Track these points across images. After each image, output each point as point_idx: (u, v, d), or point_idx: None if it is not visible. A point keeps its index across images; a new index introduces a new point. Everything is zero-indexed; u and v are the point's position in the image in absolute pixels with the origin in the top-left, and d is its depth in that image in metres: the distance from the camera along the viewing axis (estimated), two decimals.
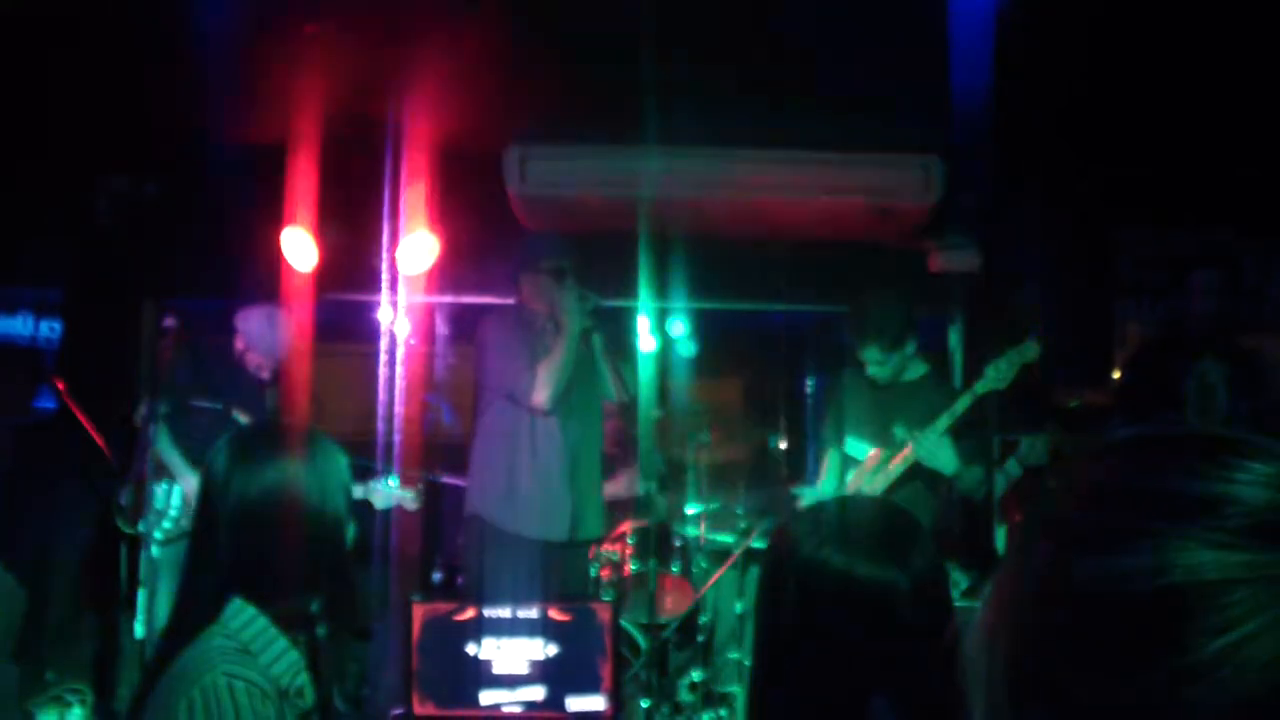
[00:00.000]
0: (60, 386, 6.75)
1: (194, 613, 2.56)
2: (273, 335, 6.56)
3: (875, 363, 5.88)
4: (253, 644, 2.52)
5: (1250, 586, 0.73)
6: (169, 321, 6.17)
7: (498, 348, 6.13)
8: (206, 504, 2.65)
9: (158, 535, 6.25)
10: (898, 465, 5.80)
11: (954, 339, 8.37)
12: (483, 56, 5.81)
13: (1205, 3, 5.03)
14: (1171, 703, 0.72)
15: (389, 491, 6.32)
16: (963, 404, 5.68)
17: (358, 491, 6.11)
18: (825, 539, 2.10)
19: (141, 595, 5.89)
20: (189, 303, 6.90)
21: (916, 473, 5.80)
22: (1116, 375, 8.02)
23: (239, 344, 6.61)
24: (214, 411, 6.55)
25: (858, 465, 5.99)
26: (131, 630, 6.26)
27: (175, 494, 6.43)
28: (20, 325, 9.48)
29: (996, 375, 5.69)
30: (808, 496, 6.13)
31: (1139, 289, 7.98)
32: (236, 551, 2.58)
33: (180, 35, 5.35)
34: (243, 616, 2.54)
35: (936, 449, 5.66)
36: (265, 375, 6.64)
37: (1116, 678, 0.74)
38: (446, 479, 7.50)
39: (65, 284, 8.06)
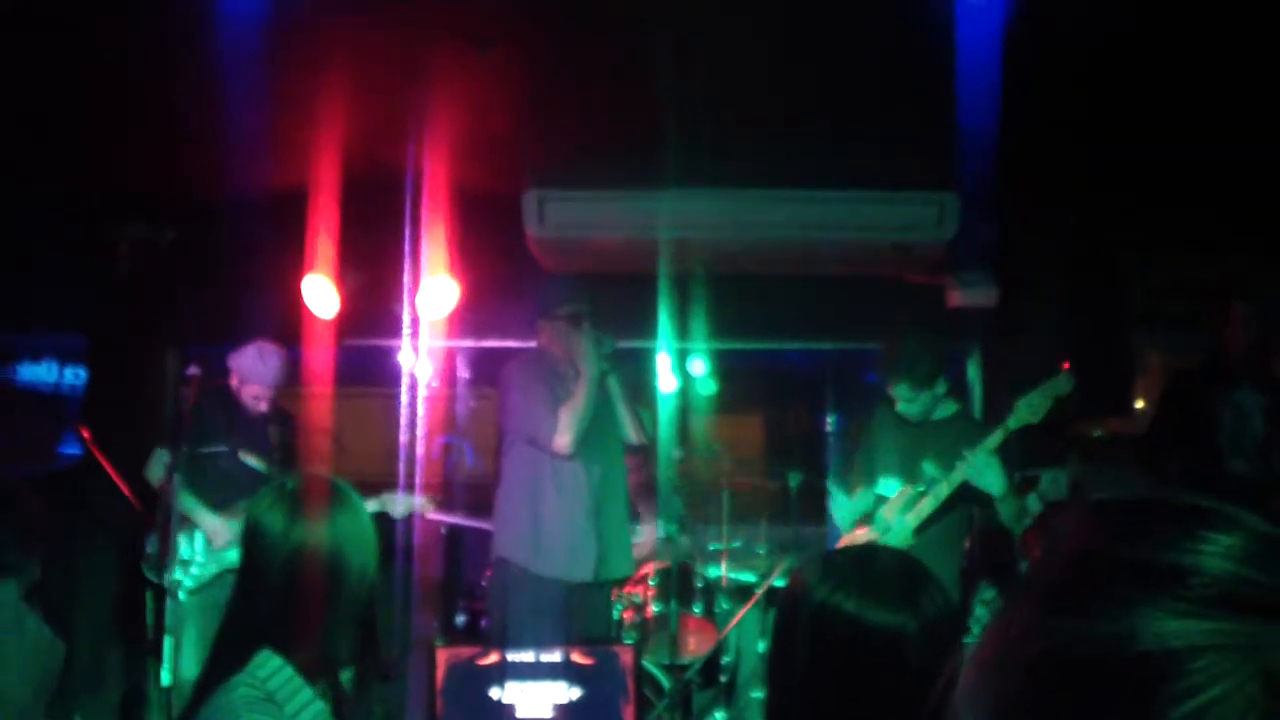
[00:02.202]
0: (85, 434, 6.81)
1: (226, 660, 2.63)
2: (264, 366, 6.63)
3: (905, 400, 5.89)
4: (278, 693, 2.57)
5: (1214, 653, 0.75)
6: (192, 369, 6.22)
7: (519, 393, 6.17)
8: (247, 556, 2.74)
9: (187, 583, 6.30)
10: (927, 503, 5.80)
11: (972, 373, 8.38)
12: (500, 101, 5.86)
13: (1217, 30, 5.04)
14: None
15: (407, 500, 6.43)
16: (994, 440, 5.68)
17: (374, 505, 6.19)
18: (838, 585, 2.13)
19: (168, 642, 5.92)
20: (212, 349, 6.94)
21: (946, 511, 5.80)
22: (1139, 404, 8.03)
23: (233, 381, 6.69)
24: (223, 454, 6.61)
25: (886, 502, 5.99)
26: (157, 676, 6.30)
27: (199, 540, 6.47)
28: (44, 372, 9.57)
29: (1029, 409, 5.67)
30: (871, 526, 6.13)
31: (1157, 318, 7.99)
32: (271, 601, 2.66)
33: (201, 83, 5.40)
34: (269, 666, 2.59)
35: (985, 468, 5.62)
36: (264, 407, 6.70)
37: None
38: (467, 521, 7.52)
39: (89, 331, 8.13)
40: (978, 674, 0.87)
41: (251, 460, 6.64)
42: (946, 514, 5.82)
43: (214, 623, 6.33)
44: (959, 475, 5.68)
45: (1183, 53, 5.24)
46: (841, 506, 6.19)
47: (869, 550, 2.82)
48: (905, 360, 5.84)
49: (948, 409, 6.04)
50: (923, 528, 5.79)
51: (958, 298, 7.72)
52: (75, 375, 9.72)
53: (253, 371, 6.63)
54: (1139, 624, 0.77)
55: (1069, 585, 0.84)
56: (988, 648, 0.88)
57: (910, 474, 5.93)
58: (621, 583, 6.73)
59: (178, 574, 6.21)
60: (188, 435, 6.17)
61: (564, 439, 6.02)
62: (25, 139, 6.21)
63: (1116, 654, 0.77)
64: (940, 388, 5.93)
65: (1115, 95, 5.66)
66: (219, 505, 6.53)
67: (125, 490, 6.58)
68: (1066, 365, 5.69)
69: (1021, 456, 6.41)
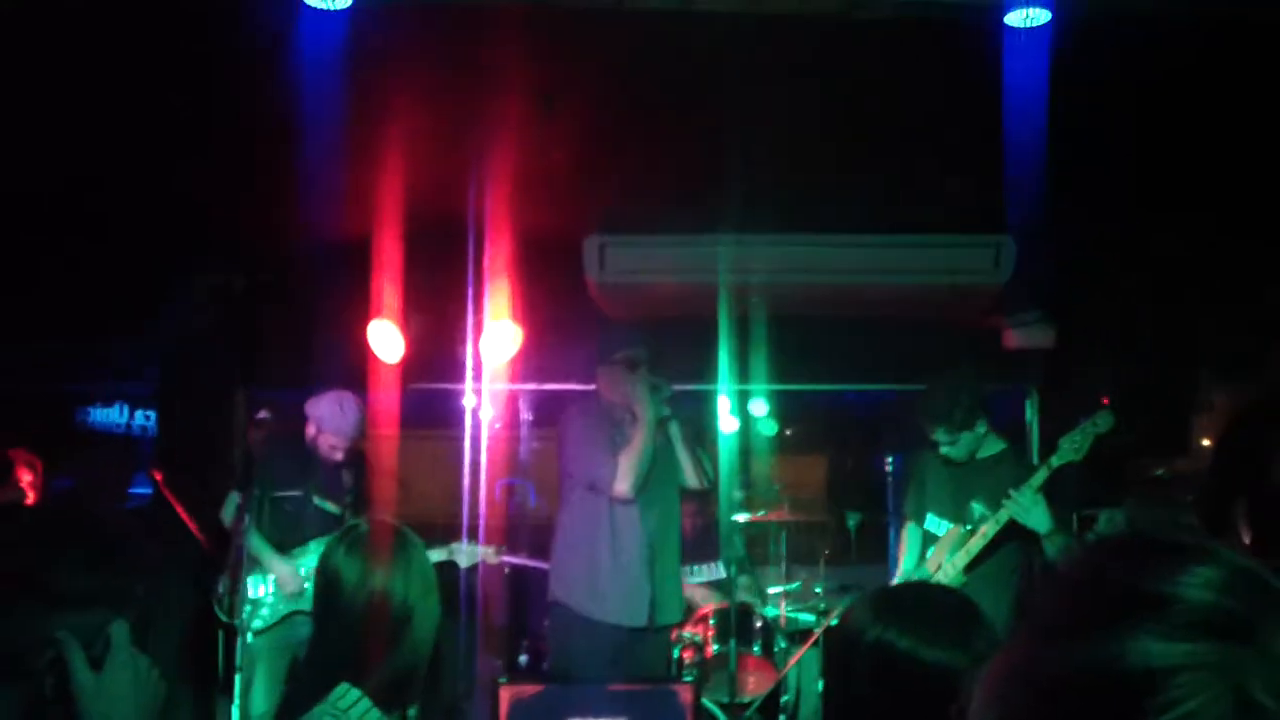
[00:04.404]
0: (158, 477, 6.95)
1: (308, 692, 2.77)
2: (344, 418, 6.71)
3: (945, 444, 5.94)
4: None
5: (1192, 672, 0.86)
6: (262, 413, 6.35)
7: (579, 438, 6.24)
8: (325, 597, 2.92)
9: (256, 624, 6.41)
10: (977, 541, 5.84)
11: (1029, 413, 8.41)
12: (561, 150, 5.97)
13: (1271, 62, 5.08)
14: None
15: (472, 549, 6.52)
16: (1040, 478, 5.72)
17: (441, 554, 6.30)
18: (891, 622, 2.20)
19: (238, 680, 6.04)
20: (280, 394, 7.08)
21: (996, 549, 5.83)
22: (1204, 443, 8.01)
23: (310, 430, 6.76)
24: (295, 498, 6.72)
25: (937, 541, 6.04)
26: (227, 714, 6.42)
27: (269, 582, 6.58)
28: (115, 414, 9.75)
29: (1071, 448, 5.72)
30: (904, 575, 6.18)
31: (1219, 356, 7.98)
32: (348, 640, 2.84)
33: (277, 134, 5.54)
34: (349, 697, 2.75)
35: (1031, 506, 5.66)
36: (339, 457, 6.78)
37: None
38: (531, 562, 7.61)
39: (160, 376, 8.28)
40: (985, 695, 0.98)
41: (324, 504, 6.75)
42: (996, 552, 5.85)
43: (282, 662, 6.50)
44: (1005, 514, 5.73)
45: (1237, 86, 5.28)
46: (912, 544, 6.24)
47: (921, 588, 2.89)
48: (939, 405, 5.89)
49: (993, 447, 6.07)
50: (973, 566, 5.83)
51: (1014, 339, 7.76)
52: (145, 418, 9.90)
53: (332, 422, 6.70)
54: (1126, 646, 0.88)
55: (1064, 612, 0.95)
56: (994, 671, 0.99)
57: (960, 513, 5.97)
58: (680, 624, 6.78)
59: (247, 614, 6.33)
60: (260, 478, 6.28)
61: (623, 484, 6.07)
62: (105, 186, 6.37)
63: (1105, 672, 0.88)
64: (980, 427, 5.97)
65: (1169, 132, 5.70)
66: (289, 547, 6.63)
67: (195, 531, 6.72)
68: (1106, 401, 5.73)
69: (1080, 495, 6.44)
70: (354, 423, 6.73)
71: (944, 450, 5.97)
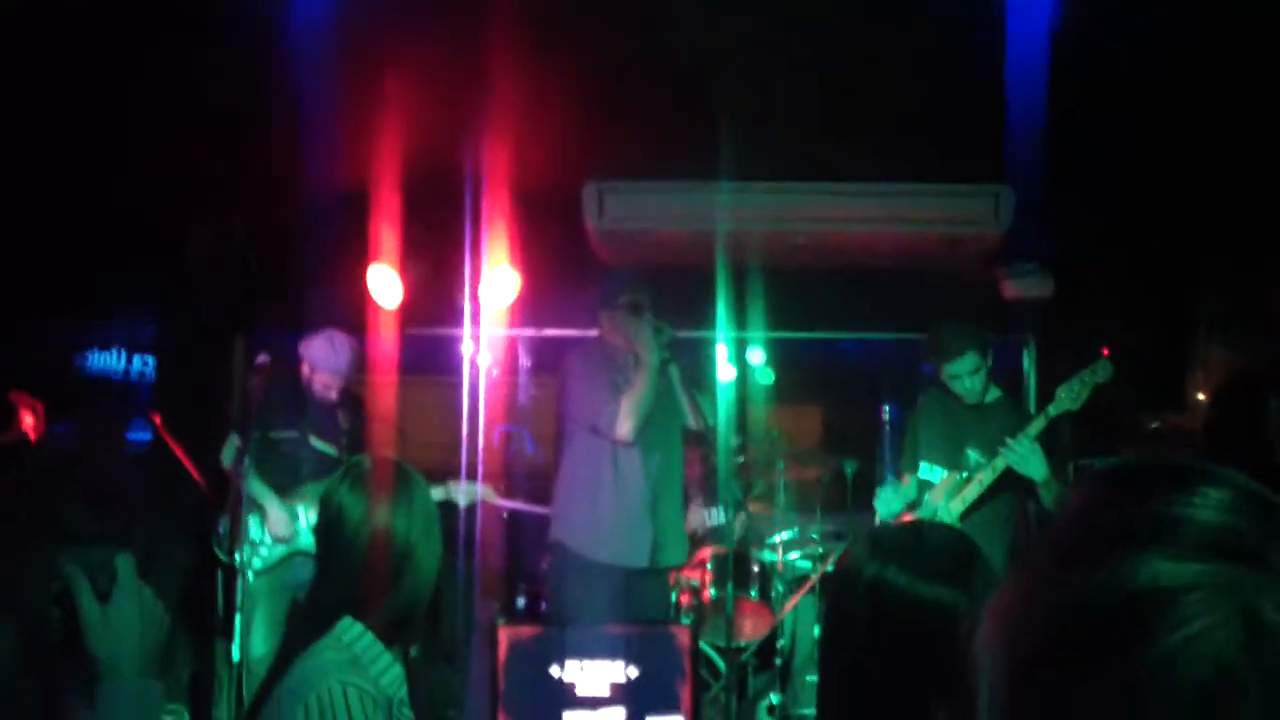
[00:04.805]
0: (157, 421, 6.97)
1: (311, 627, 2.80)
2: (335, 356, 6.74)
3: (969, 373, 5.92)
4: (363, 656, 2.76)
5: (1202, 591, 0.88)
6: (261, 357, 6.37)
7: (580, 381, 6.27)
8: (328, 534, 2.93)
9: (256, 564, 6.45)
10: (972, 488, 5.87)
11: (1027, 364, 8.43)
12: (560, 95, 5.96)
13: (1272, 30, 5.08)
14: (1140, 686, 0.87)
15: (471, 488, 6.57)
16: (1036, 426, 5.75)
17: (440, 493, 6.34)
18: (889, 560, 2.21)
19: (238, 620, 6.08)
20: (279, 336, 7.08)
21: (991, 496, 5.87)
22: (1199, 398, 8.04)
23: (304, 370, 6.80)
24: (292, 440, 6.75)
25: (931, 488, 6.07)
26: (225, 655, 6.47)
27: (264, 524, 6.62)
28: (114, 360, 9.75)
29: (1069, 396, 5.75)
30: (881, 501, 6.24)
31: (1216, 314, 7.99)
32: (351, 575, 2.86)
33: (274, 81, 5.54)
34: (353, 631, 2.78)
35: (1029, 455, 5.69)
36: (333, 395, 6.82)
37: (1095, 667, 0.89)
38: (529, 507, 7.64)
39: (159, 321, 8.28)
40: (994, 623, 1.00)
41: (321, 445, 6.79)
42: (992, 499, 5.88)
43: (281, 603, 6.55)
44: (1002, 462, 5.76)
45: (1237, 50, 5.28)
46: (884, 497, 6.28)
47: (919, 526, 2.89)
48: (965, 333, 5.92)
49: (993, 393, 6.11)
50: (968, 513, 5.86)
51: (1012, 290, 7.77)
52: (144, 363, 9.90)
53: (324, 360, 6.74)
54: (1135, 566, 0.90)
55: (1074, 537, 0.97)
56: (1003, 599, 1.00)
57: (956, 460, 5.99)
58: (679, 567, 6.82)
59: (247, 554, 6.37)
60: (257, 421, 6.31)
61: (625, 426, 6.10)
62: (102, 131, 6.36)
63: (1114, 592, 0.90)
64: (991, 362, 6.02)
65: (1175, 87, 5.69)
66: (287, 488, 6.67)
67: (195, 474, 6.74)
68: (1106, 352, 5.75)
69: (1076, 445, 6.47)
70: (346, 360, 6.77)
71: (966, 384, 5.96)
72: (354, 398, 7.08)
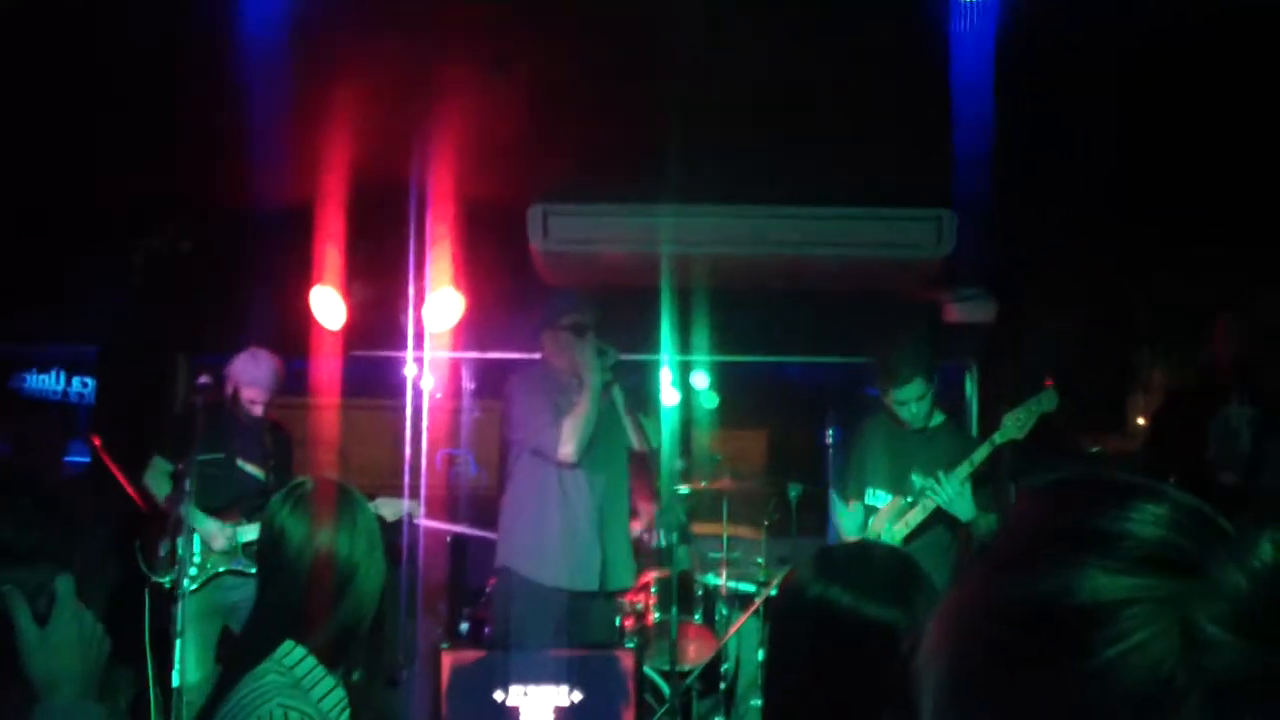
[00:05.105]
0: (97, 442, 6.90)
1: (253, 650, 2.76)
2: (257, 369, 6.75)
3: (915, 398, 5.92)
4: (304, 680, 2.73)
5: (1140, 605, 0.89)
6: (203, 379, 6.32)
7: (523, 403, 6.24)
8: (270, 554, 2.90)
9: (186, 585, 6.39)
10: (916, 513, 5.88)
11: (969, 388, 8.47)
12: (505, 117, 5.96)
13: (1217, 46, 5.13)
14: (1078, 699, 0.88)
15: (396, 503, 6.58)
16: (981, 453, 5.77)
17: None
18: (834, 579, 2.21)
19: (179, 645, 6.01)
20: (221, 359, 7.04)
21: (936, 520, 5.88)
22: (1139, 421, 8.11)
23: (229, 389, 6.79)
24: (219, 461, 6.71)
25: (876, 513, 6.08)
26: (159, 678, 6.39)
27: (195, 544, 6.57)
28: (52, 381, 9.67)
29: (1015, 425, 5.78)
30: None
31: (1157, 336, 8.07)
32: (293, 597, 2.82)
33: (215, 97, 5.50)
34: (295, 655, 2.75)
35: (956, 497, 5.73)
36: (258, 411, 6.82)
37: (1036, 677, 0.90)
38: (471, 530, 7.62)
39: (100, 341, 8.21)
40: (938, 634, 1.00)
41: (247, 467, 6.76)
42: (936, 524, 5.90)
43: (212, 628, 6.48)
44: (932, 503, 5.79)
45: (1180, 68, 5.33)
46: (844, 515, 6.28)
47: (863, 546, 2.90)
48: (911, 358, 5.92)
49: (937, 417, 6.12)
50: (912, 537, 5.87)
51: (955, 313, 7.82)
52: (83, 384, 9.83)
53: (246, 374, 6.74)
54: (1075, 580, 0.90)
55: (1015, 549, 0.98)
56: (945, 610, 1.01)
57: (900, 485, 6.00)
58: (626, 591, 6.80)
59: (180, 575, 6.30)
60: (191, 443, 6.27)
61: (568, 448, 6.09)
62: (41, 150, 6.30)
63: (1055, 606, 0.91)
64: (934, 387, 6.04)
65: (1113, 111, 5.74)
66: (215, 510, 6.65)
67: (135, 496, 6.68)
68: (1049, 383, 5.80)
69: (1016, 469, 6.51)
70: (268, 372, 6.77)
71: (910, 410, 5.95)
72: (278, 424, 7.05)
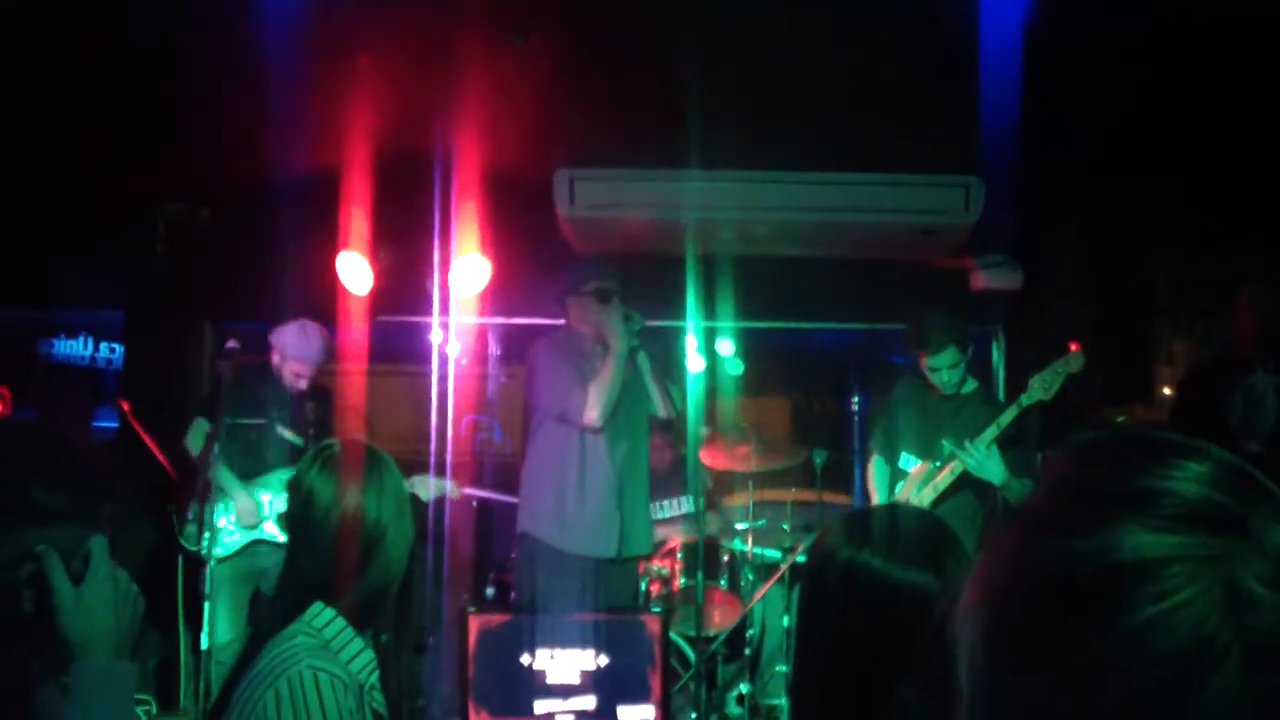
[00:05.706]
0: (125, 407, 6.93)
1: (282, 612, 2.80)
2: (307, 344, 6.75)
3: (948, 366, 5.96)
4: (333, 641, 2.75)
5: (1183, 563, 0.89)
6: (230, 343, 6.34)
7: (548, 369, 6.25)
8: (298, 517, 2.90)
9: (217, 552, 6.42)
10: (945, 477, 5.89)
11: (996, 356, 8.45)
12: (531, 82, 5.94)
13: (1243, 25, 5.09)
14: (1117, 658, 0.88)
15: (435, 482, 6.58)
16: (1009, 416, 5.79)
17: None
18: (864, 544, 2.21)
19: (207, 609, 6.05)
20: (248, 325, 7.06)
21: (964, 485, 5.89)
22: (1165, 391, 8.09)
23: (274, 359, 6.79)
24: (258, 427, 6.73)
25: (905, 477, 6.09)
26: (190, 643, 6.44)
27: (231, 510, 6.59)
28: (80, 347, 9.72)
29: (1041, 386, 5.80)
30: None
31: (1183, 308, 8.04)
32: (322, 559, 2.84)
33: (241, 65, 5.50)
34: (324, 616, 2.77)
35: (985, 460, 5.75)
36: (303, 385, 6.83)
37: (1072, 639, 0.90)
38: (496, 496, 7.63)
39: (127, 308, 8.24)
40: (975, 593, 1.00)
41: (287, 434, 6.77)
42: (965, 488, 5.91)
43: (242, 591, 6.54)
44: (960, 467, 5.80)
45: (1211, 36, 5.29)
46: (883, 476, 6.29)
47: (893, 510, 2.90)
48: (946, 326, 5.95)
49: (969, 385, 6.14)
50: (940, 501, 5.89)
51: (982, 281, 7.79)
52: (110, 350, 9.87)
53: (295, 349, 6.74)
54: (1117, 538, 0.90)
55: (1052, 509, 0.98)
56: (983, 570, 1.01)
57: (930, 449, 6.02)
58: (648, 556, 6.82)
59: (211, 541, 6.33)
60: (226, 407, 6.28)
61: (593, 413, 6.10)
62: (67, 118, 6.31)
63: (1096, 564, 0.91)
64: (969, 357, 6.06)
65: (1141, 80, 5.71)
66: (250, 476, 6.67)
67: (163, 461, 6.71)
68: (1076, 346, 5.80)
69: (1043, 437, 6.51)
70: (317, 349, 6.76)
71: (944, 376, 5.99)
72: (322, 389, 7.06)
